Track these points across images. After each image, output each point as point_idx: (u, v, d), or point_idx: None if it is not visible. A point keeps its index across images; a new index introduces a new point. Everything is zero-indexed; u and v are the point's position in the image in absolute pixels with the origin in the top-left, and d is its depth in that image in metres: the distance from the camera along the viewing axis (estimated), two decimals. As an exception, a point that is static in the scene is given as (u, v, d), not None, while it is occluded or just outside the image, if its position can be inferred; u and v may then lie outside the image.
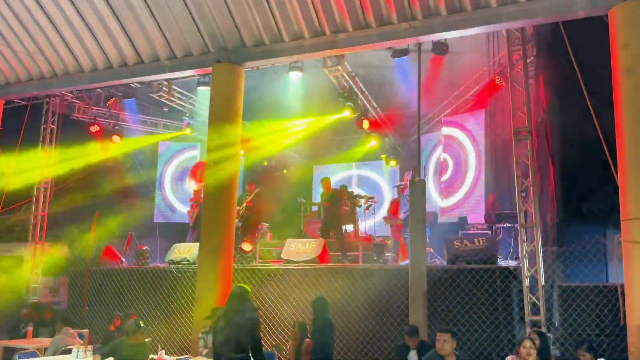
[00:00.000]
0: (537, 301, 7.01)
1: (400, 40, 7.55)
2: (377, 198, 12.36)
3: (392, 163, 13.16)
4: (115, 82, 9.47)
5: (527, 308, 7.00)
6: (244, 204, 10.01)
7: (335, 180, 12.42)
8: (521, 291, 7.16)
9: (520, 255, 7.72)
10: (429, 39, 7.59)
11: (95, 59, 9.08)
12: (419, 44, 7.80)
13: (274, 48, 8.02)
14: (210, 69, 8.38)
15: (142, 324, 5.82)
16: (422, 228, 7.05)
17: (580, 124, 8.44)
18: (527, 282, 7.07)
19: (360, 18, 7.45)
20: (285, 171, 15.15)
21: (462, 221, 11.35)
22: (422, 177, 8.11)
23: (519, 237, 7.49)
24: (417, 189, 7.31)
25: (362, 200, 11.54)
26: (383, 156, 13.33)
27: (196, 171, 11.76)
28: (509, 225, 9.95)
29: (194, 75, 9.42)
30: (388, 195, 13.69)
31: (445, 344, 4.63)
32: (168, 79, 9.94)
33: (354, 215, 11.10)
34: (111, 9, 8.27)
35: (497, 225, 10.17)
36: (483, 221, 10.59)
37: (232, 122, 8.02)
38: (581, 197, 11.74)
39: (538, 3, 6.61)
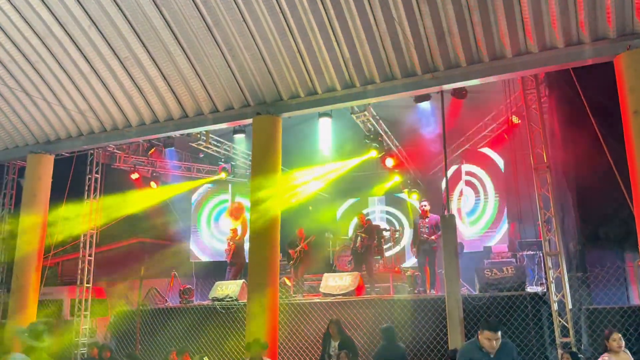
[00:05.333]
0: (566, 324, 7.55)
1: (424, 89, 8.31)
2: (402, 231, 13.04)
3: (414, 196, 13.82)
4: (161, 135, 10.29)
5: (557, 331, 7.53)
6: (299, 248, 10.78)
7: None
8: (551, 315, 7.72)
9: (546, 281, 8.27)
10: (450, 87, 8.33)
11: (143, 115, 9.89)
12: (442, 92, 8.54)
13: (309, 100, 8.78)
14: (249, 121, 9.17)
15: None
16: (456, 261, 7.64)
17: (593, 156, 9.11)
18: (555, 307, 7.63)
19: (387, 70, 8.22)
20: (310, 207, 15.83)
21: (486, 250, 11.90)
22: (449, 211, 8.74)
23: (544, 265, 8.07)
24: (448, 223, 7.94)
25: (388, 234, 12.19)
26: (405, 190, 14.01)
27: (233, 210, 12.46)
28: (532, 252, 10.52)
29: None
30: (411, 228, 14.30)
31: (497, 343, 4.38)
32: (208, 130, 10.74)
33: (382, 248, 11.75)
34: (159, 70, 9.13)
35: (521, 253, 10.73)
36: (507, 250, 11.15)
37: (272, 168, 8.74)
38: (598, 224, 12.32)
39: (550, 52, 7.34)
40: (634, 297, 11.17)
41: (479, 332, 4.50)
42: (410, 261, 12.66)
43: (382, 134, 11.04)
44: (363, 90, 8.44)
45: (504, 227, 11.41)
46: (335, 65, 8.30)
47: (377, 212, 14.67)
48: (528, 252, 10.57)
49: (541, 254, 10.25)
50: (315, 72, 8.48)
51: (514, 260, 10.90)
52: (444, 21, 7.46)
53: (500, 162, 11.30)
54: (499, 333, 4.38)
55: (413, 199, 13.88)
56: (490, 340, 4.36)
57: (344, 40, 7.97)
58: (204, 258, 14.22)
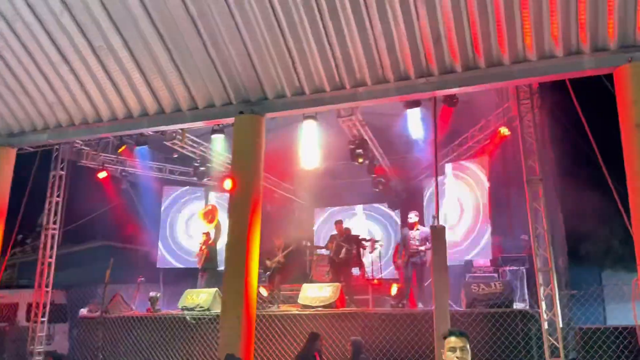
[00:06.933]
0: (556, 343, 7.26)
1: (417, 94, 7.97)
2: (382, 241, 12.66)
3: (395, 206, 13.51)
4: (134, 131, 9.66)
5: (547, 351, 7.23)
6: (276, 259, 10.29)
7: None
8: (539, 333, 7.42)
9: (530, 299, 8.00)
10: (444, 93, 8.02)
11: (115, 109, 9.22)
12: (434, 98, 8.22)
13: (295, 100, 8.32)
14: (230, 120, 8.65)
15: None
16: (445, 274, 7.26)
17: (584, 170, 8.90)
18: (546, 325, 7.34)
19: (379, 73, 7.84)
20: (289, 214, 15.33)
21: (467, 264, 11.61)
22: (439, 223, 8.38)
23: (527, 281, 7.81)
24: (438, 235, 7.57)
25: (368, 244, 11.77)
26: (388, 200, 13.67)
27: (206, 213, 11.87)
28: (515, 268, 10.26)
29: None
30: (392, 237, 13.94)
31: (463, 353, 3.44)
32: (186, 128, 10.17)
33: (361, 259, 11.34)
34: (135, 61, 8.52)
35: (504, 268, 10.46)
36: (489, 264, 10.87)
37: (254, 171, 8.23)
38: (580, 241, 12.21)
39: (548, 62, 7.09)
40: (611, 316, 11.03)
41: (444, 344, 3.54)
42: (390, 273, 12.28)
43: (368, 140, 10.67)
44: (353, 93, 8.02)
45: (486, 240, 11.15)
46: (325, 64, 7.86)
47: (358, 222, 14.27)
48: (511, 268, 10.31)
49: (524, 270, 10.02)
50: (304, 71, 8.01)
51: (495, 275, 10.63)
52: (441, 23, 7.15)
53: (485, 174, 11.07)
54: (465, 340, 3.46)
55: (395, 209, 13.58)
56: (455, 349, 3.42)
57: (335, 38, 7.56)
58: (174, 264, 13.54)
